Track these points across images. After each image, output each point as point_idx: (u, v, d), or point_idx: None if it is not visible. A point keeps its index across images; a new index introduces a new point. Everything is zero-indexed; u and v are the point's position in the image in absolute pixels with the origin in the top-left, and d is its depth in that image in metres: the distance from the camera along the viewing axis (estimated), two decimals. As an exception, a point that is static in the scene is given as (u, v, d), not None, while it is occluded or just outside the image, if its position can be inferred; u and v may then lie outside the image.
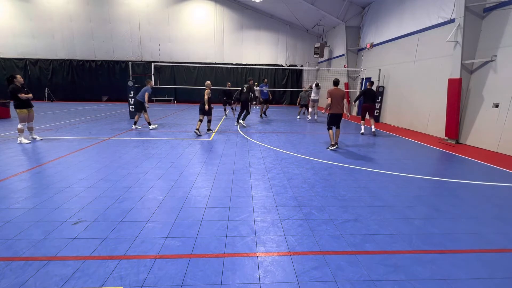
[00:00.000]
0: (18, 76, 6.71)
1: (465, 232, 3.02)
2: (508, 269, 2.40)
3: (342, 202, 3.71)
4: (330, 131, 6.90)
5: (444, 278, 2.25)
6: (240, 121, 10.19)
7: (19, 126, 6.66)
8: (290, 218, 3.20)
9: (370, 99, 9.03)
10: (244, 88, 10.17)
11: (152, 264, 2.32)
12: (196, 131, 8.22)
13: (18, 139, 6.68)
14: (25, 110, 6.73)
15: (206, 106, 8.07)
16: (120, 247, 2.54)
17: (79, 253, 2.45)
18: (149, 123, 9.35)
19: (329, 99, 6.62)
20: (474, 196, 4.07)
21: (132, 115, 11.54)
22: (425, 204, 3.71)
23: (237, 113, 11.53)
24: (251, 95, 10.28)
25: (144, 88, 9.22)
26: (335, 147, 6.83)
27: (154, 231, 2.85)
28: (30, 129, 6.97)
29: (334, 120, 6.79)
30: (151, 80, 9.76)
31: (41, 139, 7.05)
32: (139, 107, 9.28)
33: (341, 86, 15.82)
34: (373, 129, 9.19)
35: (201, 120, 8.34)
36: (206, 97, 8.05)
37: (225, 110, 13.81)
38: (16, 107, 6.66)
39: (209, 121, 8.46)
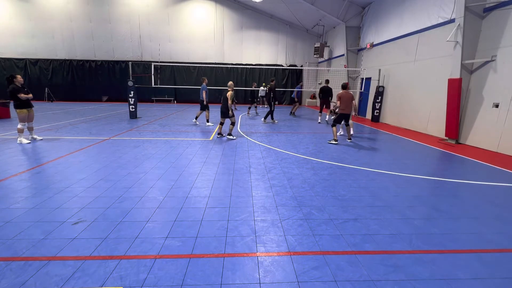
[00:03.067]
0: (18, 76, 6.70)
1: (465, 232, 3.02)
2: (508, 269, 2.40)
3: (342, 202, 3.71)
4: (334, 128, 7.65)
5: (444, 278, 2.25)
6: (263, 119, 11.55)
7: (19, 126, 6.66)
8: (290, 218, 3.20)
9: (326, 95, 11.19)
10: (266, 89, 11.46)
11: (152, 264, 2.33)
12: (218, 135, 7.93)
13: (18, 139, 6.68)
14: (24, 110, 6.73)
15: (230, 112, 7.61)
16: (120, 247, 2.54)
17: (79, 253, 2.45)
18: (207, 120, 10.41)
19: (338, 101, 7.49)
20: (474, 196, 4.07)
21: (132, 115, 11.57)
22: (425, 204, 3.71)
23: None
24: (272, 94, 11.07)
25: (201, 87, 9.89)
26: (337, 142, 7.49)
27: (154, 231, 2.85)
28: (30, 129, 6.97)
29: (341, 119, 7.63)
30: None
31: (41, 139, 7.05)
32: (203, 107, 10.06)
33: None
34: (327, 118, 12.12)
35: (222, 123, 7.98)
36: (229, 101, 7.53)
37: (249, 109, 15.15)
38: (16, 107, 6.67)
39: (232, 124, 7.89)
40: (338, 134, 8.84)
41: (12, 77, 6.63)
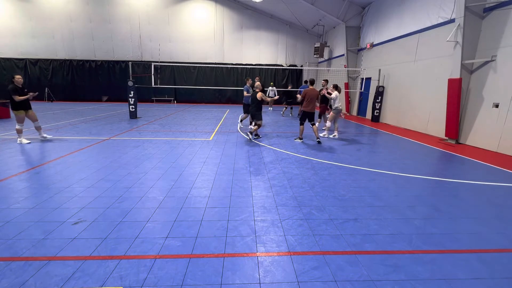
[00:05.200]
0: (17, 77, 6.54)
1: (465, 232, 3.02)
2: (508, 269, 2.40)
3: (342, 202, 3.71)
4: (302, 126, 7.68)
5: (444, 278, 2.25)
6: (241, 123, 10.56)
7: (17, 127, 6.58)
8: (290, 218, 3.20)
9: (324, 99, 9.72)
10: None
11: (152, 264, 2.33)
12: (254, 135, 7.78)
13: (18, 139, 6.67)
14: (22, 111, 6.61)
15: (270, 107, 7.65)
16: (120, 247, 2.54)
17: (79, 253, 2.45)
18: (251, 123, 9.35)
19: (301, 97, 7.35)
20: (474, 196, 4.07)
21: (132, 115, 11.56)
22: (425, 204, 3.71)
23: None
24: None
25: (244, 88, 9.16)
26: (301, 140, 7.63)
27: (154, 231, 2.85)
28: (38, 129, 6.97)
29: (305, 117, 7.50)
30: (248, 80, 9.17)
31: (51, 137, 7.02)
32: (246, 109, 9.24)
33: (342, 86, 15.91)
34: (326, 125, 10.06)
35: (259, 125, 7.62)
36: (268, 99, 7.42)
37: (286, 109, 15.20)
38: (13, 108, 6.54)
39: (258, 126, 7.59)
40: (322, 135, 8.62)
41: (13, 77, 6.53)
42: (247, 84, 9.19)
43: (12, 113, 10.81)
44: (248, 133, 7.72)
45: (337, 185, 4.32)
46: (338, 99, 8.21)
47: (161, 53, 20.15)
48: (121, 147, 6.53)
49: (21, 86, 6.62)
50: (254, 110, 7.51)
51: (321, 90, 9.84)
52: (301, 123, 7.64)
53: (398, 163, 5.75)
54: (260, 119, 7.48)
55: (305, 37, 20.92)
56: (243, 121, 10.23)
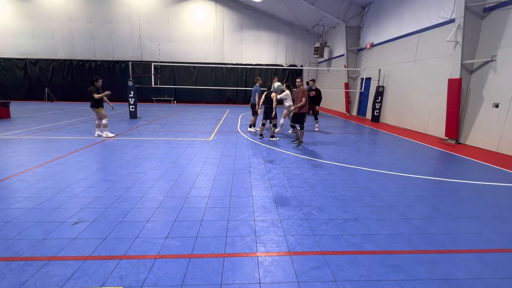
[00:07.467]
0: (100, 80, 7.54)
1: (465, 232, 3.02)
2: (508, 269, 2.40)
3: (342, 202, 3.71)
4: (296, 129, 7.51)
5: (444, 278, 2.25)
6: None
7: (97, 122, 7.62)
8: (290, 218, 3.20)
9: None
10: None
11: (152, 264, 2.33)
12: (260, 137, 7.97)
13: (104, 133, 7.55)
14: (101, 108, 7.50)
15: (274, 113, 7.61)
16: (120, 247, 2.54)
17: (79, 253, 2.45)
18: (250, 125, 9.18)
19: (304, 99, 7.00)
20: (474, 196, 4.07)
21: (132, 115, 11.56)
22: (425, 204, 3.71)
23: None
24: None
25: (253, 88, 8.61)
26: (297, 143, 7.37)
27: (154, 231, 2.85)
28: (98, 126, 7.65)
29: (303, 118, 7.20)
30: (259, 79, 8.69)
31: (113, 136, 7.61)
32: (253, 110, 8.88)
33: (341, 86, 15.94)
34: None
35: (264, 124, 8.02)
36: (274, 103, 7.50)
37: None
38: (93, 106, 7.41)
39: (274, 126, 7.84)
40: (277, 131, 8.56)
41: (95, 80, 7.44)
42: (257, 84, 8.61)
43: (11, 113, 10.94)
44: (259, 134, 8.10)
45: (337, 185, 4.32)
46: (290, 98, 8.00)
47: (161, 53, 20.14)
48: (121, 147, 6.53)
49: (98, 87, 7.45)
50: (269, 109, 7.76)
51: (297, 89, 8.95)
52: (294, 126, 7.42)
53: (398, 163, 5.75)
54: (264, 119, 8.00)
55: (305, 37, 20.91)
56: (255, 125, 9.37)
